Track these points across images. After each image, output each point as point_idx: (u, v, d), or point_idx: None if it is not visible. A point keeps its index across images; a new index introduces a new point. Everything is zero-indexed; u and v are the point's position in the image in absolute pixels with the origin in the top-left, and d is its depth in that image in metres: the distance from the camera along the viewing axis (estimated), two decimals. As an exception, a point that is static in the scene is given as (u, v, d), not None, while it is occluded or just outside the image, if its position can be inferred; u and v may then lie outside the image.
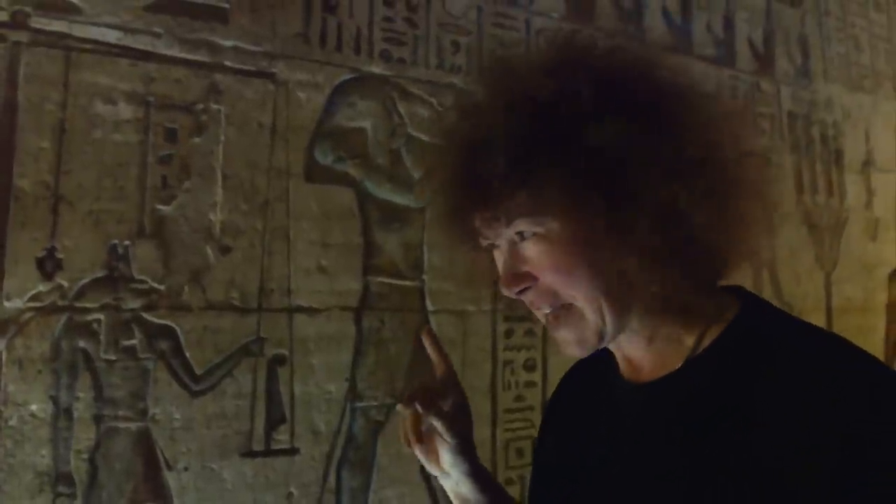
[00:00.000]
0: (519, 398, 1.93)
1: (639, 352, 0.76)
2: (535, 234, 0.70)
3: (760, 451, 0.63)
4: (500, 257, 0.75)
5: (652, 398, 0.74)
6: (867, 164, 2.87)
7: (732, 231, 0.71)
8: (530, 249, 0.71)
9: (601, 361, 0.84)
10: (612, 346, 0.79)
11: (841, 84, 2.84)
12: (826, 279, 2.67)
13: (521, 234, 0.71)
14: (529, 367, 1.96)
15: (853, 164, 2.83)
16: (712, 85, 2.43)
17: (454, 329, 1.86)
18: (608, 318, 0.72)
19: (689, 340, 0.72)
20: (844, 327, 2.59)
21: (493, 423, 1.89)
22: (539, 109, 0.68)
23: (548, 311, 0.73)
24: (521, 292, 0.72)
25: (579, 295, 0.71)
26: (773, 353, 0.67)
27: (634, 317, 0.73)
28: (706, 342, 0.72)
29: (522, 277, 0.72)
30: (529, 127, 0.68)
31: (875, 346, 2.70)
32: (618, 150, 0.67)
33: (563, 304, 0.72)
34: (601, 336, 0.73)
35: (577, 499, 0.78)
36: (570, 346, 0.74)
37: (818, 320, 2.60)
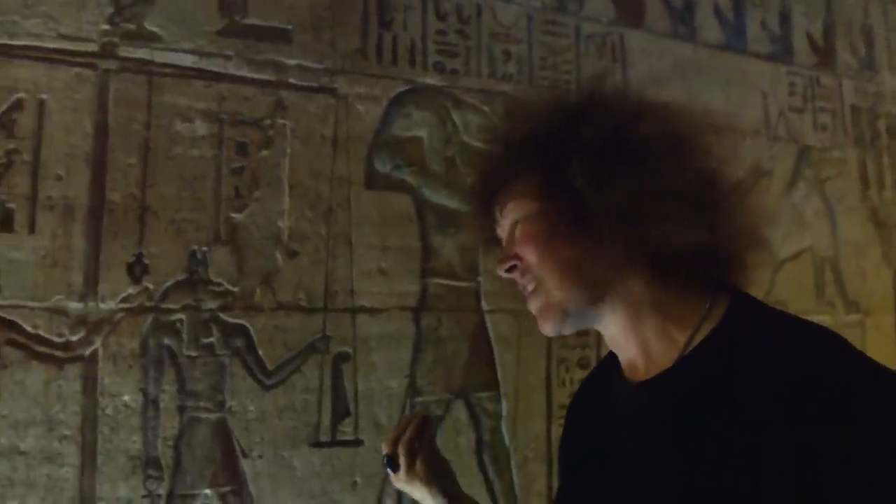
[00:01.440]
0: (574, 395, 1.97)
1: (632, 351, 0.81)
2: (523, 218, 0.82)
3: (745, 446, 0.66)
4: None
5: (646, 397, 0.78)
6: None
7: (679, 220, 0.75)
8: (518, 231, 0.83)
9: (607, 368, 0.90)
10: (612, 347, 0.85)
11: (909, 74, 2.75)
12: (895, 277, 2.59)
13: (516, 222, 0.84)
14: (583, 364, 2.00)
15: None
16: (767, 83, 2.41)
17: (509, 328, 1.93)
18: (572, 299, 0.79)
19: (681, 339, 0.76)
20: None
21: (549, 419, 1.95)
22: (534, 119, 0.85)
23: (523, 286, 0.83)
24: (509, 270, 0.84)
25: (549, 271, 0.80)
26: (758, 349, 0.70)
27: (609, 306, 0.80)
28: (697, 340, 0.75)
29: (510, 257, 0.83)
30: (522, 131, 0.85)
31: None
32: (593, 148, 0.77)
33: (536, 283, 0.81)
34: (564, 314, 0.80)
35: (584, 497, 0.83)
36: (540, 320, 0.83)
37: (886, 319, 2.53)
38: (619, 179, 0.76)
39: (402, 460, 0.99)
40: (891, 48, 2.73)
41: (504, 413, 1.89)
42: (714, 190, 0.78)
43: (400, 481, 1.01)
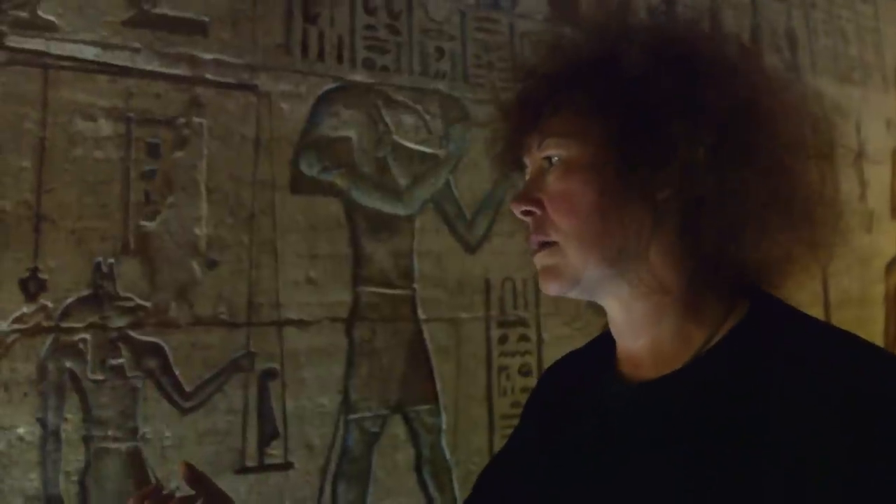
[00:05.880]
0: (516, 404, 1.91)
1: (639, 343, 0.74)
2: (558, 161, 0.73)
3: (774, 451, 0.61)
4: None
5: (652, 399, 0.70)
6: (859, 156, 2.86)
7: (765, 229, 0.68)
8: (550, 176, 0.73)
9: (594, 357, 0.81)
10: (616, 334, 0.77)
11: (829, 76, 2.83)
12: (823, 273, 2.65)
13: (548, 159, 0.74)
14: (525, 372, 1.94)
15: (845, 156, 2.81)
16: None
17: (447, 337, 1.84)
18: (590, 265, 0.71)
19: (698, 338, 0.70)
20: (842, 320, 2.57)
21: (490, 430, 1.87)
22: (589, 49, 0.74)
23: (536, 240, 0.74)
24: (525, 213, 0.75)
25: (572, 229, 0.71)
26: (783, 352, 0.65)
27: (629, 288, 0.72)
28: (715, 340, 0.69)
29: (533, 200, 0.74)
30: (576, 60, 0.74)
31: (874, 338, 2.68)
32: (652, 100, 0.68)
33: (552, 241, 0.73)
34: (576, 279, 0.72)
35: (567, 500, 0.74)
36: (546, 277, 0.74)
37: (816, 314, 2.58)
38: (732, 165, 0.67)
39: None
40: (812, 51, 2.80)
41: (444, 427, 1.80)
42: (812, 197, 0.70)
43: None
